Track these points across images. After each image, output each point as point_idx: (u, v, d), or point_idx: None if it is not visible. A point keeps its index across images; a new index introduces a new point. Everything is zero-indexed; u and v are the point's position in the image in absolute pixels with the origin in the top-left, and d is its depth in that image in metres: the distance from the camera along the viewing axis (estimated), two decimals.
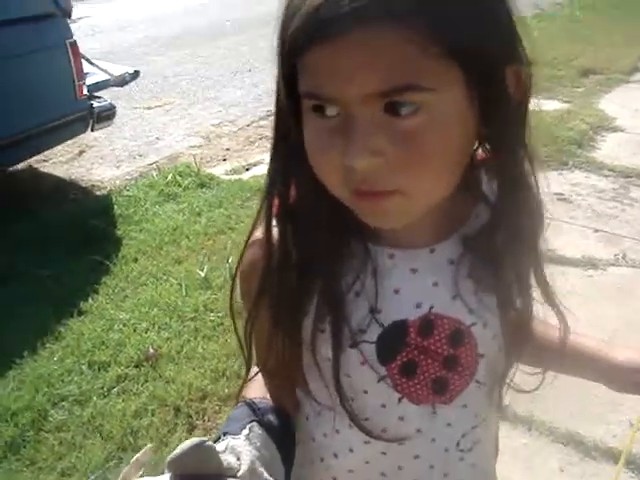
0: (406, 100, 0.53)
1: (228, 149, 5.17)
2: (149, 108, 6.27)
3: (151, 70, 7.30)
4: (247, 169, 4.66)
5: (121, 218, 3.57)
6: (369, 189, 0.57)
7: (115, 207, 3.69)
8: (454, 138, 0.58)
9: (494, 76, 0.57)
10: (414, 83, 0.52)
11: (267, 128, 5.34)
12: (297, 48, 0.55)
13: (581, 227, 3.20)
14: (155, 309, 2.82)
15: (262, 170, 4.38)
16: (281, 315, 0.72)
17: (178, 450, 0.62)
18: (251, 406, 0.79)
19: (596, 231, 3.17)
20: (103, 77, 4.26)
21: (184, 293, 2.92)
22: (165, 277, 3.06)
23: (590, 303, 2.57)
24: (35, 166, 4.57)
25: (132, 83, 6.45)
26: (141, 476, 0.66)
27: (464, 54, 0.53)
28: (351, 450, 0.79)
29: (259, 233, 0.71)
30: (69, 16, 3.68)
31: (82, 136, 5.09)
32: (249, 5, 12.41)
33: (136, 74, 4.50)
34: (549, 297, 0.73)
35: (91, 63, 4.15)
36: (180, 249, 3.29)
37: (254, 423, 0.75)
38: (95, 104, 3.97)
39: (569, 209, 3.44)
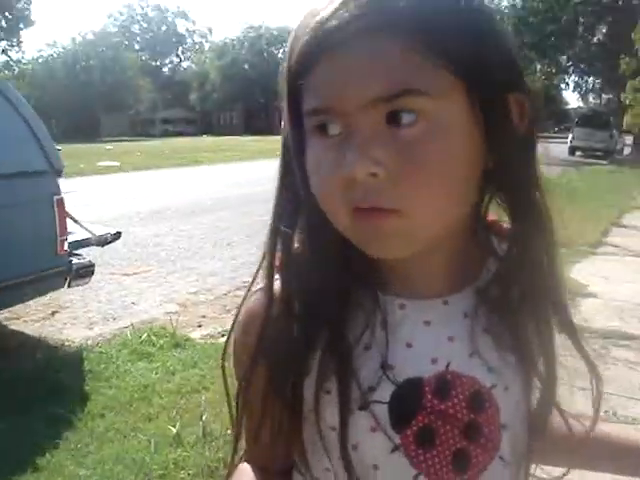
0: (405, 106, 0.53)
1: (204, 316, 5.13)
2: (126, 275, 6.32)
3: (131, 240, 7.47)
4: (223, 335, 4.59)
5: (90, 374, 3.43)
6: (369, 206, 0.54)
7: (85, 362, 3.56)
8: (456, 149, 0.56)
9: (496, 98, 0.57)
10: (412, 87, 0.52)
11: None
12: (303, 66, 0.56)
13: (565, 385, 3.14)
14: (120, 466, 2.60)
15: None
16: (280, 373, 0.65)
17: None
18: None
19: (582, 389, 3.09)
20: (85, 235, 4.31)
21: (153, 450, 2.72)
22: (133, 433, 2.87)
23: None
24: (4, 323, 4.45)
25: (110, 251, 6.54)
26: None
27: (462, 64, 0.54)
28: None
29: (260, 285, 0.67)
30: (59, 174, 3.80)
31: (55, 297, 5.06)
32: (229, 187, 13.17)
33: (118, 235, 4.57)
34: (577, 344, 0.68)
35: (75, 221, 4.23)
36: (151, 406, 3.12)
37: None
38: (74, 260, 3.98)
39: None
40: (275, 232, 0.66)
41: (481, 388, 0.65)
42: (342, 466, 0.63)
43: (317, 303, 0.63)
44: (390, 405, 0.62)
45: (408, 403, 0.63)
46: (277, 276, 0.66)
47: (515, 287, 0.65)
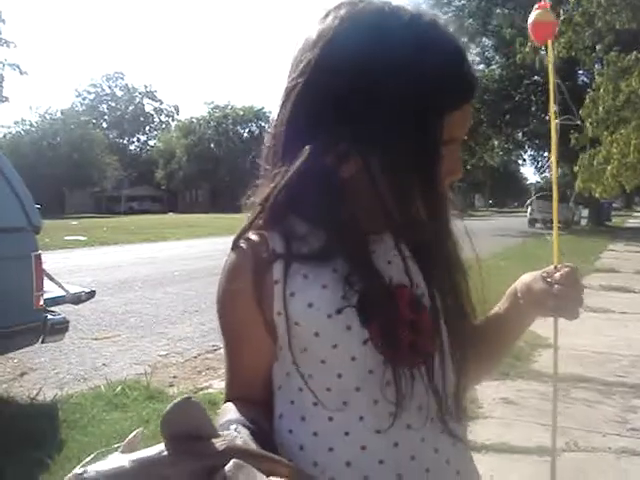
0: None
1: (175, 377, 5.16)
2: (96, 339, 6.31)
3: (100, 308, 7.48)
4: (196, 392, 4.63)
5: (65, 423, 3.44)
6: None
7: (59, 413, 3.57)
8: None
9: None
10: None
11: (214, 360, 5.44)
12: (457, 102, 0.82)
13: (529, 423, 3.29)
14: None
15: (211, 392, 4.40)
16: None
17: (168, 407, 0.64)
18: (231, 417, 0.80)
19: (544, 425, 3.26)
20: (60, 293, 4.38)
21: None
22: None
23: None
24: None
25: (79, 317, 6.56)
26: None
27: None
28: (347, 433, 0.81)
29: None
30: (37, 232, 3.92)
31: (24, 359, 5.05)
32: (196, 260, 13.22)
33: (92, 294, 4.64)
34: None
35: (51, 278, 4.31)
36: None
37: (239, 425, 0.76)
38: (49, 316, 4.03)
39: (515, 409, 3.57)
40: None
41: (414, 296, 0.84)
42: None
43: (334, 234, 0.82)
44: (357, 307, 0.80)
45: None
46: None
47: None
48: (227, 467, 0.60)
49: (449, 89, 0.80)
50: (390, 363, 0.80)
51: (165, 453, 0.62)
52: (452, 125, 0.81)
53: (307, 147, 0.81)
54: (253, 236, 0.85)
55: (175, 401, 0.64)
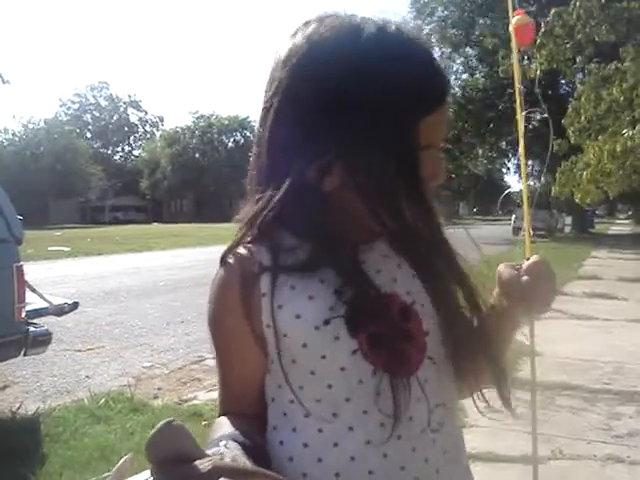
0: None
1: (160, 388, 5.12)
2: (79, 351, 6.25)
3: (83, 319, 7.41)
4: (179, 404, 4.59)
5: (47, 437, 3.40)
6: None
7: (41, 426, 3.52)
8: None
9: None
10: None
11: (199, 371, 5.42)
12: (430, 106, 0.82)
13: (515, 431, 3.29)
14: None
15: (196, 403, 4.36)
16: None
17: (151, 433, 0.64)
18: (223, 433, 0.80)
19: (530, 433, 3.25)
20: (42, 305, 4.33)
21: None
22: None
23: None
24: None
25: (62, 329, 6.50)
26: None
27: None
28: (336, 444, 0.81)
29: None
30: (19, 243, 3.88)
31: (6, 372, 4.98)
32: (181, 270, 13.18)
33: (75, 305, 4.60)
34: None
35: (33, 290, 4.26)
36: (111, 465, 3.07)
37: (229, 440, 0.76)
38: (31, 328, 3.99)
39: (502, 418, 3.54)
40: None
41: (405, 304, 0.85)
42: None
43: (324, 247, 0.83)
44: (345, 317, 0.80)
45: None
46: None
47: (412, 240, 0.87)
48: None
49: (419, 94, 0.81)
50: (380, 373, 0.80)
51: (152, 479, 0.62)
52: (429, 128, 0.82)
53: (289, 163, 0.82)
54: (240, 250, 0.86)
55: (158, 426, 0.64)
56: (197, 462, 0.63)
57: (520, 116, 1.09)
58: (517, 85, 1.07)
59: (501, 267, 0.91)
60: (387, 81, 0.79)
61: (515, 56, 1.10)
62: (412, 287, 0.86)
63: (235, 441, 0.75)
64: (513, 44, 1.12)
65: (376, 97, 0.79)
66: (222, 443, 0.74)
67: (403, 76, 0.80)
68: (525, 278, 0.87)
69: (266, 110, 0.86)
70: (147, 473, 0.65)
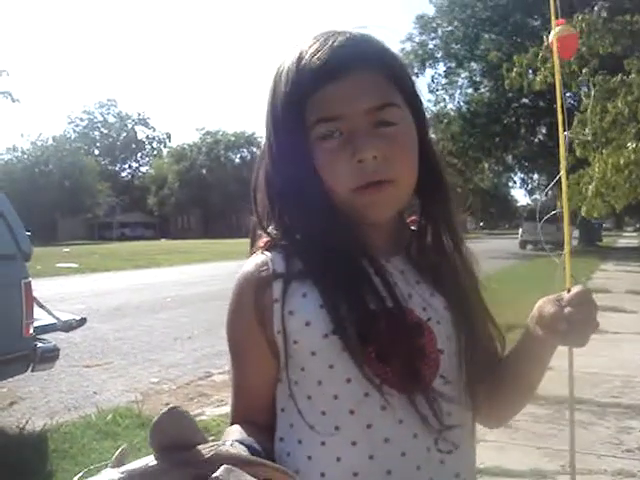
0: (388, 113, 0.84)
1: (167, 404, 5.06)
2: (87, 367, 6.25)
3: (91, 334, 7.42)
4: None
5: (55, 453, 3.39)
6: (379, 179, 0.81)
7: (49, 442, 3.52)
8: (413, 141, 0.88)
9: (422, 125, 0.90)
10: (393, 102, 0.85)
11: (206, 387, 5.41)
12: (312, 87, 0.82)
13: (524, 446, 3.27)
14: None
15: (204, 419, 4.35)
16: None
17: (155, 418, 0.64)
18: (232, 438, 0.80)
19: (539, 448, 3.24)
20: (50, 321, 4.34)
21: None
22: None
23: None
24: None
25: (70, 345, 6.52)
26: None
27: (404, 89, 0.87)
28: (339, 459, 0.81)
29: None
30: (28, 259, 3.90)
31: (14, 388, 4.99)
32: (188, 286, 13.21)
33: (83, 321, 4.61)
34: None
35: (41, 306, 4.28)
36: None
37: (235, 442, 0.75)
38: (39, 344, 4.00)
39: (510, 432, 3.53)
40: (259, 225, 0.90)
41: (420, 320, 0.84)
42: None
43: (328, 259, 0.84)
44: (355, 328, 0.80)
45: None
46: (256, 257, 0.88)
47: (430, 253, 0.90)
48: (217, 472, 0.60)
49: (303, 78, 0.84)
50: (387, 387, 0.80)
51: (154, 463, 0.62)
52: (319, 104, 0.83)
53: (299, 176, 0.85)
54: (257, 257, 0.88)
55: (163, 411, 0.63)
56: (199, 447, 0.64)
57: (562, 134, 1.01)
58: (559, 100, 1.00)
59: (541, 302, 0.86)
60: (290, 80, 0.86)
61: (557, 69, 1.01)
62: (429, 304, 0.86)
63: (242, 444, 0.75)
64: (554, 56, 1.05)
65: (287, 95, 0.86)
66: (228, 442, 0.73)
67: (295, 66, 0.85)
68: (568, 310, 0.81)
69: (265, 148, 0.92)
70: (148, 458, 0.65)
